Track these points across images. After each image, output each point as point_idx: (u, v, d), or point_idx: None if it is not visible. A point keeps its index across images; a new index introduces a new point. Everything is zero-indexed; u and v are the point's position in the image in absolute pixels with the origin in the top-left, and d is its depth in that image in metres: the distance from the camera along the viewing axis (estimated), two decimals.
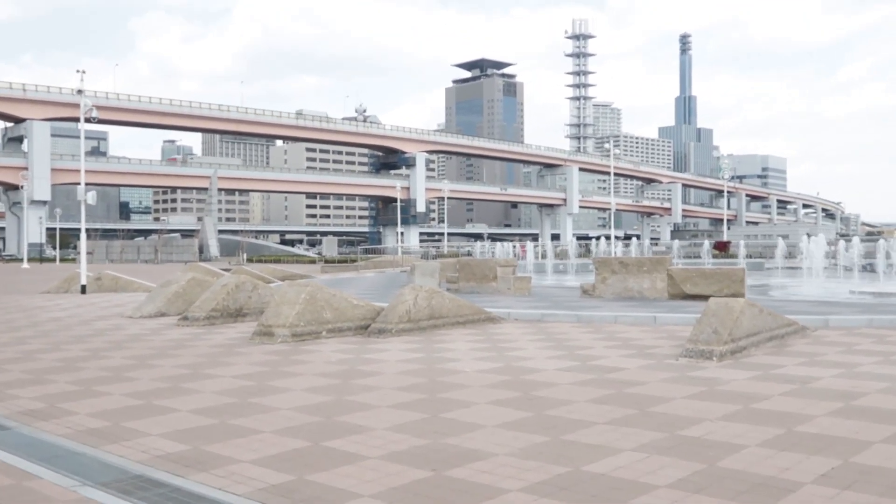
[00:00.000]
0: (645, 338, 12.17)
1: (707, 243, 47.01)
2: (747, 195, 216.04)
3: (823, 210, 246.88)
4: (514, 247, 46.99)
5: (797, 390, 7.93)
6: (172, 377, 9.24)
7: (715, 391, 7.94)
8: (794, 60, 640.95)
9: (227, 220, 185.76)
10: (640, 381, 8.55)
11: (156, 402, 7.78)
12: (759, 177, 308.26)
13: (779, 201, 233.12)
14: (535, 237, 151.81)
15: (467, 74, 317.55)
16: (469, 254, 59.11)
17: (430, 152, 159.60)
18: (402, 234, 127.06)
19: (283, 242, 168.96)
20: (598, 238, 49.37)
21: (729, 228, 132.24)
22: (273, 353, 10.95)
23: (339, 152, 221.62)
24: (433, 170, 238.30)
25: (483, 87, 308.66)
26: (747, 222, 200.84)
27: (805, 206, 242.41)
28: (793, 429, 6.36)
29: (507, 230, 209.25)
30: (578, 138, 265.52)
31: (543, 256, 41.52)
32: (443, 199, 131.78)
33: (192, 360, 10.60)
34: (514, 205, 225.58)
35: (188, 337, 13.16)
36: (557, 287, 25.01)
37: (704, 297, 17.40)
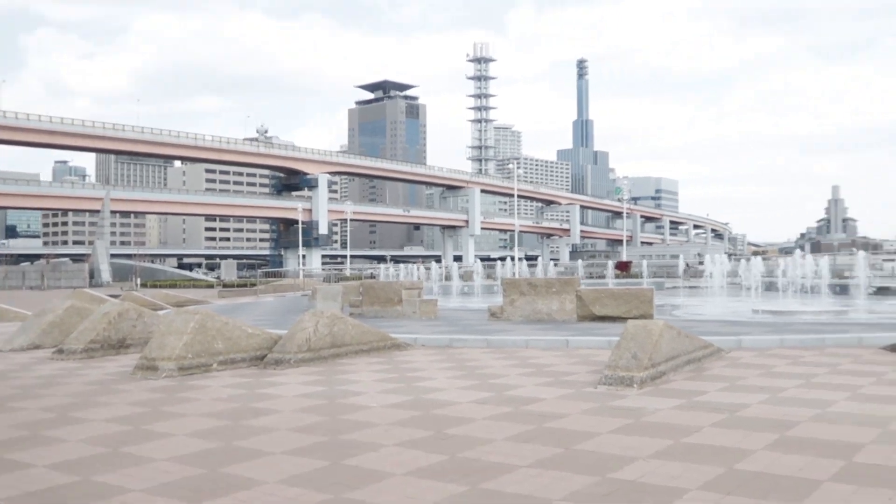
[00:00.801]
0: (559, 363, 11.59)
1: (610, 263, 47.49)
2: (642, 216, 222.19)
3: (713, 230, 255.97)
4: (418, 268, 46.35)
5: (727, 420, 7.41)
6: (33, 423, 8.04)
7: (642, 424, 7.34)
8: (686, 86, 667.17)
9: (122, 243, 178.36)
10: (561, 413, 7.90)
11: (5, 456, 6.63)
12: (653, 198, 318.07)
13: (671, 222, 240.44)
14: (437, 259, 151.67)
15: (370, 96, 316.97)
16: (373, 276, 58.08)
17: (333, 174, 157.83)
18: (304, 256, 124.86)
19: (181, 266, 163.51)
20: (502, 259, 49.21)
21: (626, 248, 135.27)
22: (155, 391, 9.82)
23: (240, 174, 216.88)
24: (336, 191, 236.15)
25: (386, 108, 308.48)
26: (642, 242, 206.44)
27: (696, 226, 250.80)
28: (733, 467, 5.79)
29: (410, 252, 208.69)
30: (480, 160, 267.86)
31: (447, 278, 40.96)
32: (346, 220, 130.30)
33: (60, 400, 9.36)
34: (417, 226, 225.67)
35: (61, 373, 11.82)
36: (464, 310, 24.38)
37: (613, 319, 17.11)
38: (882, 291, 29.79)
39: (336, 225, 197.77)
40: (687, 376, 10.09)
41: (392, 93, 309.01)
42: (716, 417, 7.54)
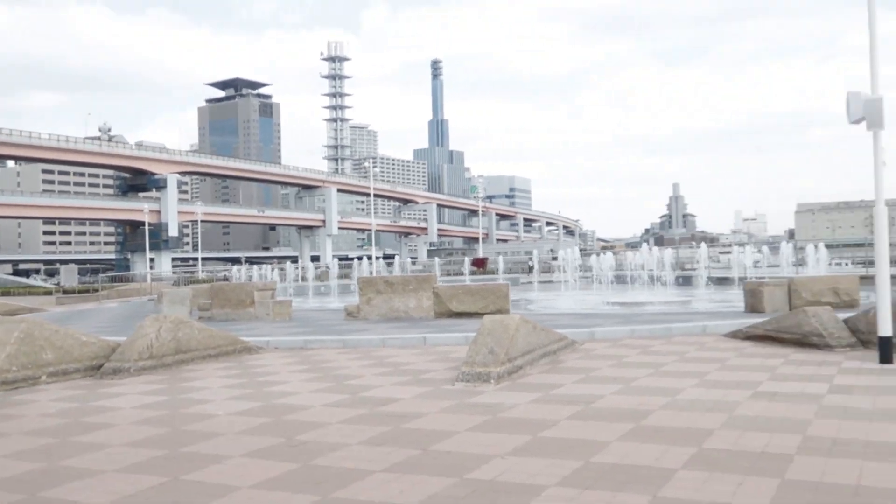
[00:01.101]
0: (417, 361, 11.38)
1: (467, 260, 48.00)
2: (497, 214, 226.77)
3: (565, 227, 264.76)
4: (273, 269, 45.16)
5: (583, 412, 7.40)
6: None
7: (499, 420, 7.21)
8: (539, 87, 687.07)
9: None
10: (418, 412, 7.66)
11: None
12: (507, 197, 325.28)
13: (525, 220, 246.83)
14: (295, 259, 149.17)
15: (221, 94, 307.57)
16: (226, 278, 56.18)
17: (183, 173, 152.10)
18: (152, 260, 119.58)
19: (17, 273, 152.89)
20: (359, 258, 48.73)
21: (482, 246, 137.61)
22: None
23: (82, 174, 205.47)
24: (186, 192, 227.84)
25: (238, 107, 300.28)
26: (497, 240, 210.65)
27: (548, 223, 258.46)
28: (590, 460, 5.71)
29: (266, 253, 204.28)
30: (336, 160, 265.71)
31: (303, 279, 40.11)
32: (197, 222, 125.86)
33: None
34: (273, 227, 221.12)
35: None
36: (320, 310, 23.84)
37: (471, 315, 17.11)
38: (720, 281, 31.44)
39: (187, 227, 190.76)
40: (543, 369, 10.10)
41: (244, 91, 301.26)
42: (572, 410, 7.51)
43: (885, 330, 9.79)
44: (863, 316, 11.29)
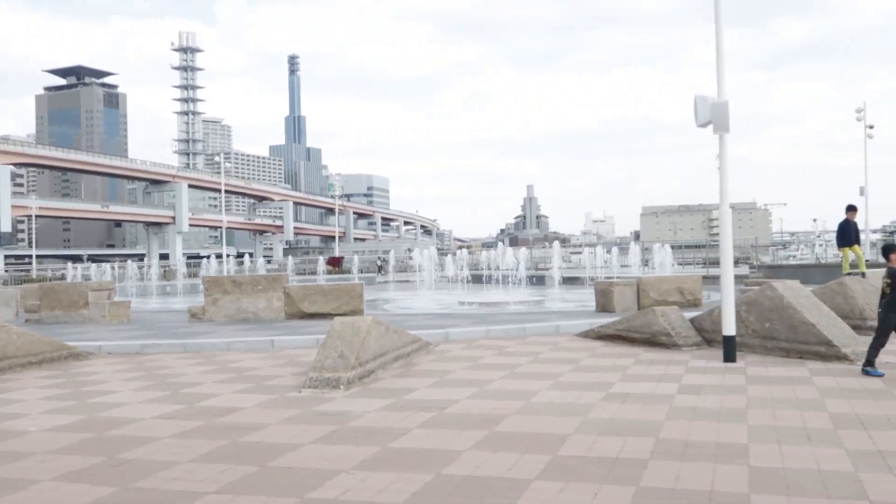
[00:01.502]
0: (263, 366, 10.74)
1: (322, 259, 47.05)
2: (355, 213, 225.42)
3: (422, 227, 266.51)
4: (112, 268, 42.63)
5: (436, 419, 7.05)
6: None
7: (347, 430, 6.76)
8: (397, 87, 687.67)
9: None
10: (259, 423, 7.09)
11: None
12: (366, 195, 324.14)
13: (383, 219, 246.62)
14: (142, 258, 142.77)
15: (62, 82, 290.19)
16: (63, 277, 52.67)
17: (18, 165, 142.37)
18: None
19: None
20: (207, 257, 46.77)
21: (339, 245, 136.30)
22: None
23: None
24: (22, 185, 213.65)
25: (81, 96, 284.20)
26: (355, 239, 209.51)
27: (406, 223, 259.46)
28: (442, 472, 5.36)
29: (112, 251, 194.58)
30: (188, 154, 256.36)
31: (148, 278, 38.05)
32: (32, 217, 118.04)
33: None
34: (119, 224, 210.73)
35: None
36: (164, 311, 22.55)
37: (324, 316, 16.54)
38: (572, 281, 32.19)
39: (23, 222, 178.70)
40: (396, 373, 9.72)
41: (87, 79, 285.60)
42: (424, 417, 7.16)
43: (728, 329, 10.02)
44: (707, 315, 11.57)
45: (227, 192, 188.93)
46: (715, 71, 10.31)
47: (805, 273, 26.02)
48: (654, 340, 11.51)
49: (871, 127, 43.58)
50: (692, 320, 11.75)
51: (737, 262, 41.29)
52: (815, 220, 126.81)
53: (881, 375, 8.61)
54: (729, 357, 9.96)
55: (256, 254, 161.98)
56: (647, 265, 33.22)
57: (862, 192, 40.56)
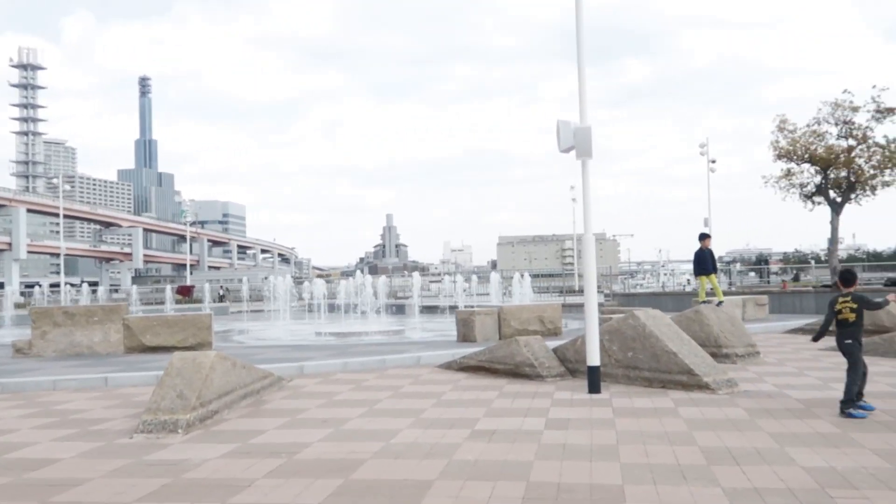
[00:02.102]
0: (92, 408, 9.60)
1: (169, 288, 44.73)
2: (209, 240, 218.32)
3: (280, 255, 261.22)
4: None
5: (285, 467, 6.31)
6: None
7: (182, 483, 5.90)
8: (253, 113, 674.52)
9: None
10: (78, 478, 6.11)
11: None
12: (221, 222, 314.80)
13: (239, 246, 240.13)
14: None
15: None
16: None
17: None
18: None
19: None
20: (37, 285, 43.48)
21: (192, 273, 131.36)
22: None
23: None
24: None
25: None
26: (210, 267, 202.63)
27: (263, 251, 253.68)
28: None
29: None
30: (27, 177, 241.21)
31: None
32: None
33: None
34: None
35: None
36: None
37: (168, 349, 15.33)
38: (431, 310, 31.86)
39: None
40: (243, 413, 8.86)
41: None
42: (272, 464, 6.39)
43: (593, 360, 9.77)
44: (570, 345, 11.34)
45: (70, 217, 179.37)
46: (577, 102, 10.15)
47: (657, 301, 26.78)
48: (517, 371, 11.15)
49: (714, 161, 45.98)
50: (555, 350, 11.49)
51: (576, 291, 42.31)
52: (660, 251, 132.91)
53: (872, 409, 7.91)
54: (594, 388, 9.70)
55: (103, 282, 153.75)
56: (506, 294, 33.36)
57: (706, 223, 42.56)
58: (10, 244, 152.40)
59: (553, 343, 12.23)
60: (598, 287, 45.63)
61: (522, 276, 30.33)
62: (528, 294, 29.32)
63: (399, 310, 32.38)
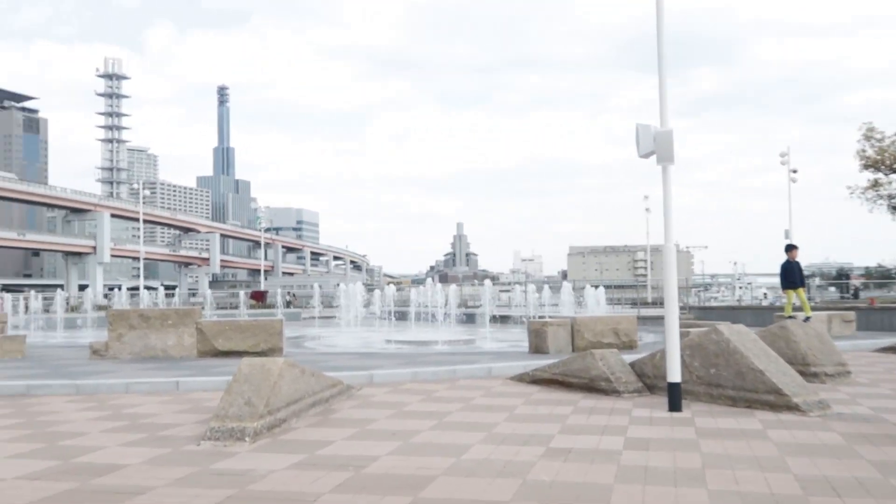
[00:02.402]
0: (162, 412, 9.57)
1: (243, 293, 45.38)
2: (284, 247, 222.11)
3: (352, 262, 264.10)
4: (27, 298, 40.11)
5: (353, 481, 6.08)
6: None
7: (247, 495, 5.73)
8: (325, 122, 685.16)
9: None
10: (143, 486, 6.00)
11: None
12: (295, 229, 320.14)
13: (312, 253, 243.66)
14: (61, 287, 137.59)
15: None
16: None
17: None
18: None
19: None
20: (116, 288, 44.58)
21: (266, 279, 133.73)
22: None
23: None
24: None
25: None
26: (284, 273, 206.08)
27: (336, 258, 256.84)
28: None
29: (28, 281, 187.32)
30: (111, 182, 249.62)
31: (51, 310, 35.83)
32: None
33: None
34: (37, 253, 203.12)
35: None
36: (67, 346, 20.93)
37: (239, 354, 15.36)
38: (503, 319, 31.48)
39: None
40: (312, 422, 8.70)
41: (6, 103, 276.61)
42: (339, 478, 6.17)
43: (674, 376, 9.31)
44: (649, 360, 10.87)
45: (152, 222, 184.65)
46: (650, 110, 9.74)
47: (735, 315, 25.88)
48: (592, 386, 10.74)
49: (795, 171, 44.48)
50: (632, 364, 11.04)
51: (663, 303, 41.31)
52: (734, 264, 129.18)
53: None
54: (674, 406, 9.24)
55: (181, 286, 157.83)
56: (579, 305, 32.78)
57: (788, 234, 41.14)
58: (94, 248, 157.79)
59: (629, 357, 11.77)
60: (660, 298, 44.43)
61: (596, 287, 29.71)
62: (602, 305, 28.70)
63: (469, 318, 32.13)
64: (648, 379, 10.73)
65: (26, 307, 34.85)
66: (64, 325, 30.48)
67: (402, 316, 33.68)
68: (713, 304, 49.25)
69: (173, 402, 10.41)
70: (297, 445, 7.45)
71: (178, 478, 6.27)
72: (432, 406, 9.83)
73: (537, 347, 15.84)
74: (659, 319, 26.88)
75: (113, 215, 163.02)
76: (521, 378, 12.14)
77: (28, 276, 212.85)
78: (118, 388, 11.44)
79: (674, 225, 9.58)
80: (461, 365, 13.41)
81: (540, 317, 24.76)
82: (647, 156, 9.66)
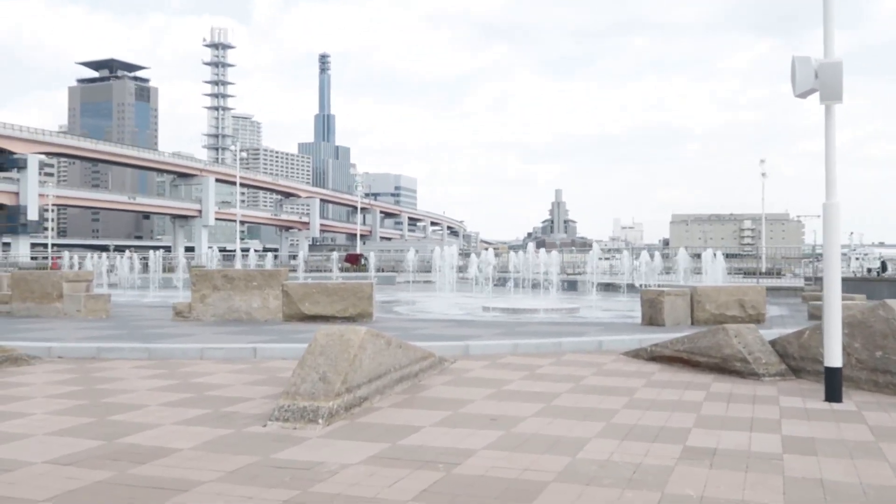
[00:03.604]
0: (234, 383, 8.54)
1: (335, 255, 44.83)
2: (381, 212, 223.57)
3: (449, 228, 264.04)
4: (99, 256, 40.40)
5: (441, 485, 4.81)
6: None
7: (311, 497, 4.54)
8: (425, 89, 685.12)
9: None
10: (188, 480, 4.89)
11: None
12: (393, 195, 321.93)
13: (410, 218, 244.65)
14: (168, 249, 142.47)
15: (95, 74, 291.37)
16: (80, 266, 50.87)
17: (49, 154, 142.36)
18: (7, 244, 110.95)
19: None
20: (244, 250, 44.81)
21: (364, 243, 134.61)
22: None
23: None
24: (52, 174, 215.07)
25: (113, 89, 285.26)
26: (381, 238, 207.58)
27: (433, 223, 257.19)
28: None
29: (139, 242, 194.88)
30: (217, 149, 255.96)
31: (148, 269, 35.94)
32: (64, 207, 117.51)
33: None
34: (147, 216, 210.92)
35: None
36: (155, 306, 20.45)
37: (326, 318, 14.37)
38: (605, 287, 29.77)
39: (52, 211, 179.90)
40: (397, 401, 7.49)
41: (120, 73, 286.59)
42: (426, 479, 4.92)
43: (832, 359, 7.65)
44: (794, 338, 9.21)
45: (254, 187, 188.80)
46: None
47: (871, 287, 23.49)
48: (724, 367, 9.17)
49: None
50: (773, 343, 9.39)
51: (778, 273, 38.66)
52: (851, 234, 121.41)
53: None
54: (833, 395, 7.61)
55: (282, 249, 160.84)
56: (690, 273, 30.66)
57: None
58: (200, 211, 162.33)
59: (767, 333, 10.11)
60: (785, 271, 41.62)
61: (715, 254, 27.57)
62: (721, 274, 26.59)
63: (571, 286, 30.51)
64: (793, 361, 9.08)
65: (131, 267, 35.13)
66: (160, 285, 30.46)
67: (500, 282, 32.38)
68: (847, 276, 45.81)
69: (247, 372, 9.39)
70: (377, 431, 6.24)
71: (231, 470, 5.14)
72: (537, 385, 8.48)
73: (651, 319, 14.24)
74: (781, 291, 24.71)
75: (218, 180, 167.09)
76: (638, 354, 10.64)
77: (139, 237, 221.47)
78: (192, 354, 10.52)
79: (837, 176, 7.87)
80: (567, 337, 11.98)
81: (646, 285, 22.99)
82: (805, 95, 7.93)
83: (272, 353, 10.59)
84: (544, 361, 10.25)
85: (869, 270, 51.69)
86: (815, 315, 15.42)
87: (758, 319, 14.45)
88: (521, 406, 7.28)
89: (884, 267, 50.32)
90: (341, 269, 42.77)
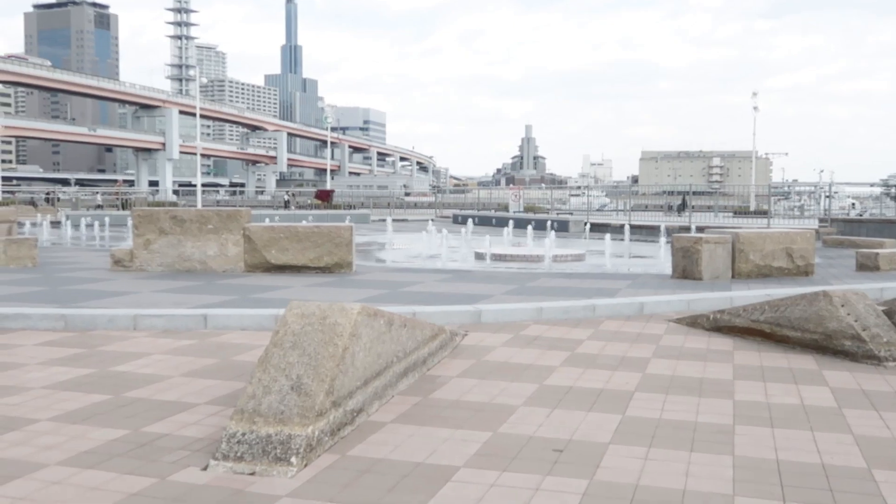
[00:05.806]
0: (170, 374, 6.14)
1: (286, 194, 41.74)
2: (350, 146, 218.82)
3: (418, 163, 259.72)
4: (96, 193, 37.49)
5: None
6: None
7: None
8: (395, 22, 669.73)
9: None
10: None
11: None
12: (362, 129, 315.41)
13: (379, 153, 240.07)
14: (130, 183, 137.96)
15: (52, 0, 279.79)
16: (33, 202, 47.66)
17: (4, 83, 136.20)
18: None
19: None
20: (210, 186, 41.77)
21: (333, 178, 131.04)
22: None
23: None
24: (9, 105, 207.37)
25: (71, 15, 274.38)
26: (350, 173, 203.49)
27: (402, 158, 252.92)
28: None
29: (101, 176, 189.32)
30: (180, 80, 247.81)
31: (100, 206, 33.04)
32: (20, 138, 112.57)
33: None
34: (109, 148, 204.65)
35: None
36: (95, 251, 17.82)
37: (299, 269, 11.96)
38: (598, 228, 27.56)
39: (8, 142, 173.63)
40: (403, 408, 5.16)
41: None
42: None
43: None
44: None
45: (219, 119, 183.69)
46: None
47: (892, 229, 21.49)
48: (827, 345, 6.95)
49: None
50: (887, 313, 7.18)
51: (749, 212, 36.82)
52: (821, 172, 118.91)
53: None
54: None
55: (249, 184, 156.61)
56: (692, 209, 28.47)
57: None
58: (163, 144, 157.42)
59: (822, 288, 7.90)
60: (760, 207, 39.61)
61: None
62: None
63: (562, 227, 28.19)
64: None
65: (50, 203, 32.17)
66: (111, 224, 27.63)
67: (481, 221, 30.05)
68: (864, 217, 43.81)
69: (193, 352, 6.99)
70: (383, 475, 3.93)
71: None
72: (590, 376, 6.17)
73: (685, 271, 11.96)
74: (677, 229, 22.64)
75: (182, 112, 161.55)
76: (695, 322, 8.39)
77: (102, 170, 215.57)
78: (121, 323, 8.04)
79: None
80: (600, 298, 9.65)
81: (633, 225, 20.77)
82: None
83: (227, 321, 8.16)
84: (581, 334, 7.95)
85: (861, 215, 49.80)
86: (866, 265, 13.32)
87: (806, 272, 12.28)
88: (589, 420, 4.98)
89: None
90: (297, 206, 39.67)
